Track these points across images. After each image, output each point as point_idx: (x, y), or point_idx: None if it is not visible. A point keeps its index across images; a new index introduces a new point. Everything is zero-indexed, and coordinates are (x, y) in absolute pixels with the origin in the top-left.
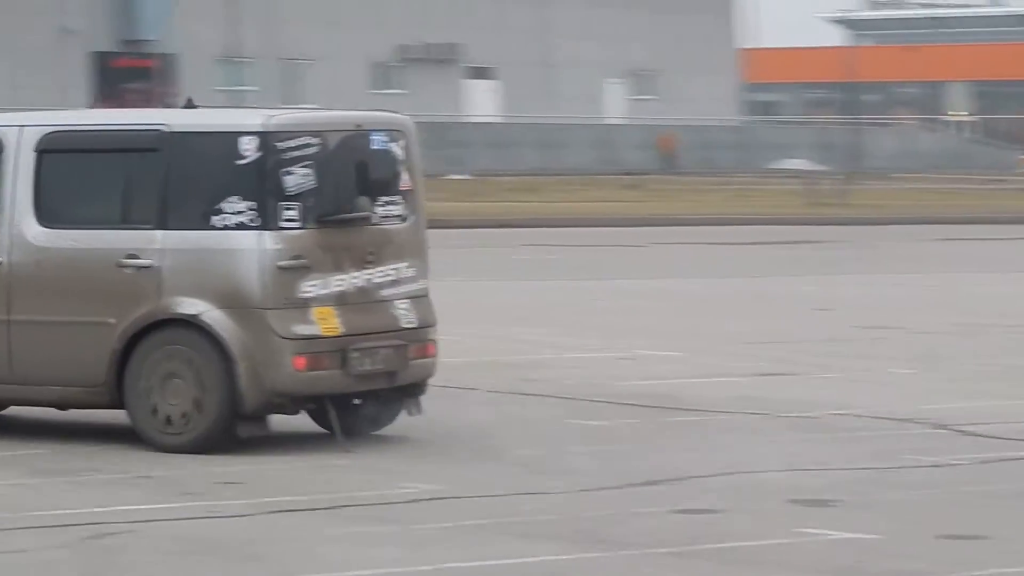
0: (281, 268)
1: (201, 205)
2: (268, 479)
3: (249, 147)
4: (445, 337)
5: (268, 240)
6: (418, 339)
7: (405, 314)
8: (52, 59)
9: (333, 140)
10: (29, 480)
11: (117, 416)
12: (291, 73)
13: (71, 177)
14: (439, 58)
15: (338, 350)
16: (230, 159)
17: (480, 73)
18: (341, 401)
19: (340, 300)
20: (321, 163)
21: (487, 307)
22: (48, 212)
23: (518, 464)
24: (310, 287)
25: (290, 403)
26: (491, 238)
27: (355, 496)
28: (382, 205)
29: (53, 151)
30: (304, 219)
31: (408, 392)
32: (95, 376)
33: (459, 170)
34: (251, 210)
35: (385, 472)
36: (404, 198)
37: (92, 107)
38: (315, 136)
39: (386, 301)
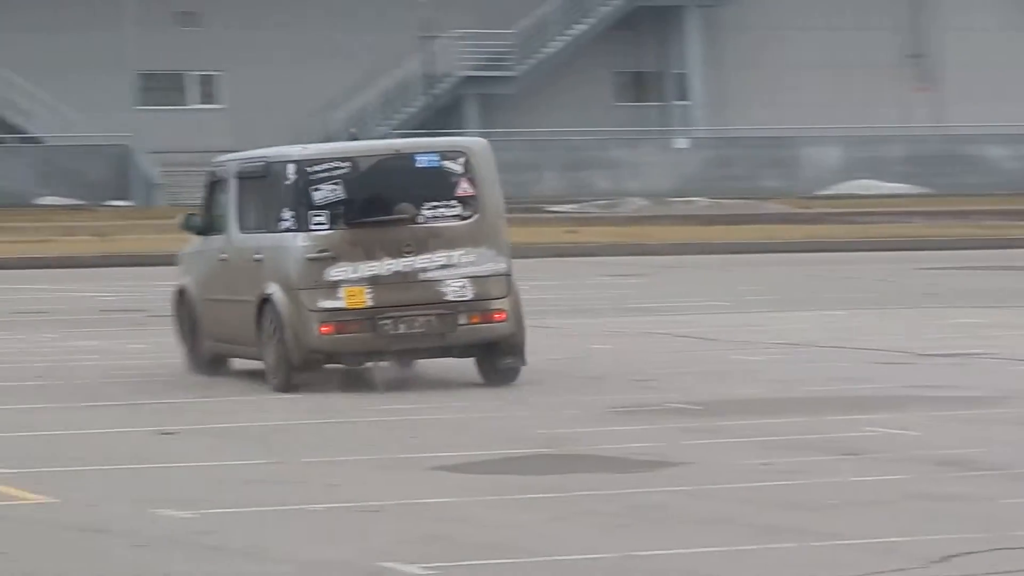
0: (310, 259)
1: (276, 215)
2: None
3: (290, 172)
4: None
5: (300, 239)
6: (474, 309)
7: (457, 289)
8: None
9: (365, 163)
10: None
11: None
12: None
13: (246, 197)
14: None
15: (366, 319)
16: (283, 181)
17: None
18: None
19: (372, 281)
20: (350, 180)
21: None
22: (240, 222)
23: None
24: (338, 272)
25: (332, 359)
26: None
27: None
28: (430, 208)
29: (242, 178)
30: (332, 222)
31: (496, 351)
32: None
33: None
34: (292, 217)
35: None
36: (463, 202)
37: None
38: (344, 161)
39: (431, 280)
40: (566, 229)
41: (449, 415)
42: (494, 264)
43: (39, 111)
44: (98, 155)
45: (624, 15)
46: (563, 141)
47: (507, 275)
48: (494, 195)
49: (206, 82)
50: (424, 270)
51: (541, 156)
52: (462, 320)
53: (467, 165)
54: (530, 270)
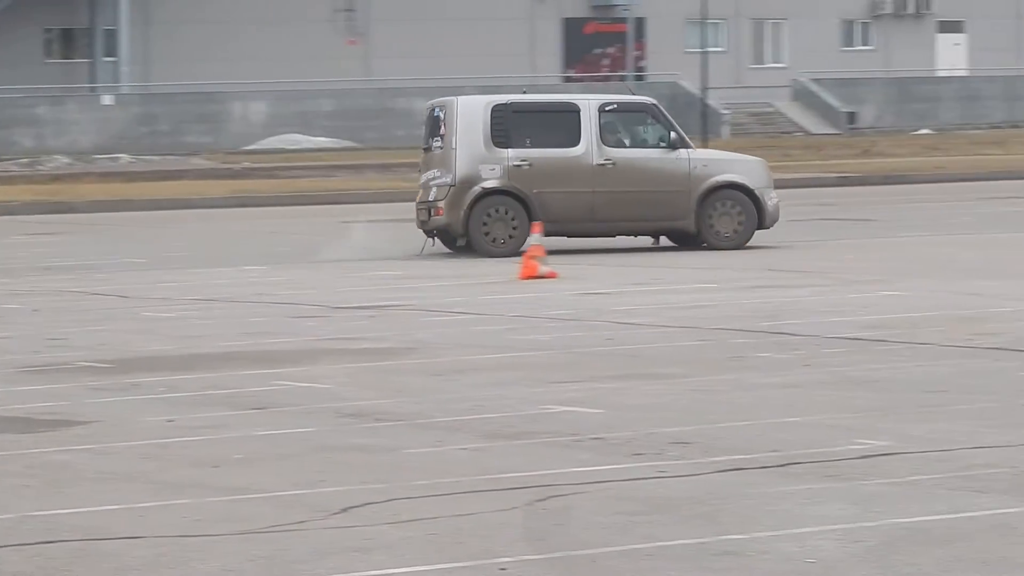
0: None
1: None
2: (717, 439)
3: None
4: (901, 293)
5: None
6: (436, 207)
7: (434, 192)
8: (526, 27)
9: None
10: (478, 444)
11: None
12: (760, 33)
13: None
14: (910, 13)
15: (423, 207)
16: None
17: (950, 27)
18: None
19: (424, 186)
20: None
21: (944, 261)
22: None
23: (969, 418)
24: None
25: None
26: (956, 192)
27: (802, 454)
28: (435, 140)
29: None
30: None
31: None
32: None
33: (925, 125)
34: None
35: (831, 428)
36: (442, 138)
37: None
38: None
39: (430, 189)
40: None
41: None
42: (449, 178)
43: None
44: None
45: None
46: None
47: (451, 186)
48: (452, 136)
49: None
50: (426, 186)
51: None
52: (433, 214)
53: (445, 113)
54: None
